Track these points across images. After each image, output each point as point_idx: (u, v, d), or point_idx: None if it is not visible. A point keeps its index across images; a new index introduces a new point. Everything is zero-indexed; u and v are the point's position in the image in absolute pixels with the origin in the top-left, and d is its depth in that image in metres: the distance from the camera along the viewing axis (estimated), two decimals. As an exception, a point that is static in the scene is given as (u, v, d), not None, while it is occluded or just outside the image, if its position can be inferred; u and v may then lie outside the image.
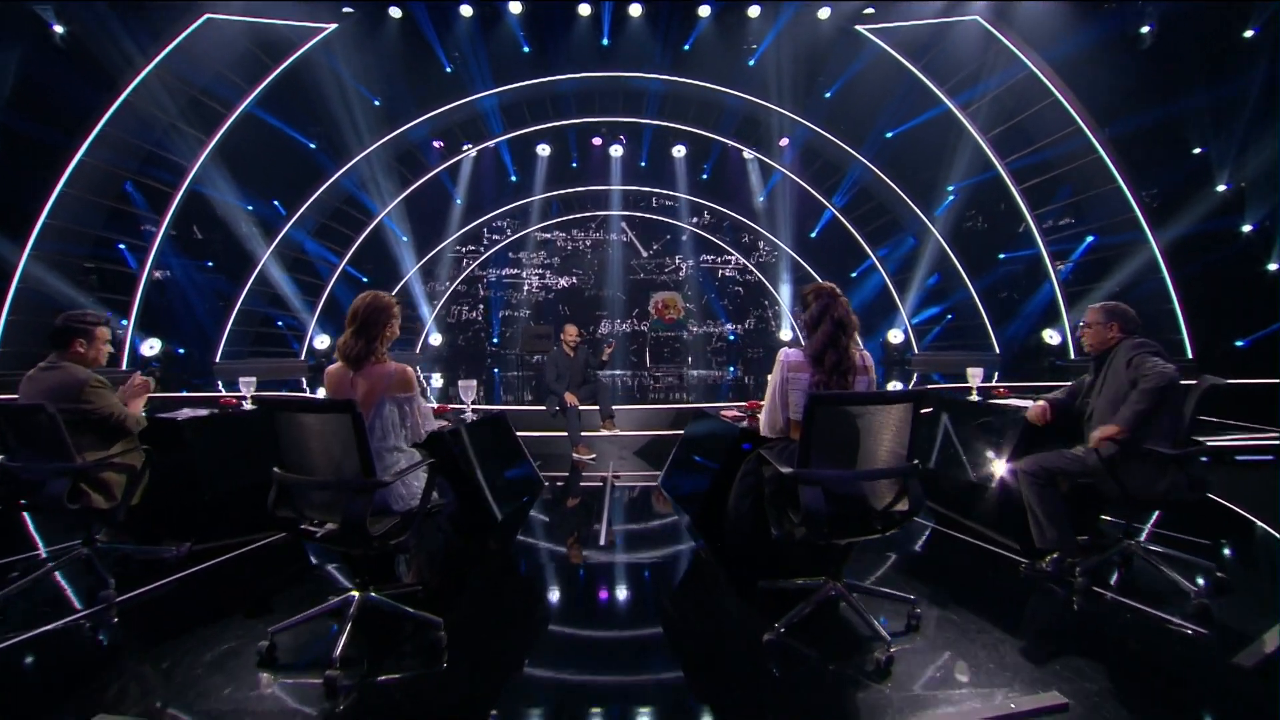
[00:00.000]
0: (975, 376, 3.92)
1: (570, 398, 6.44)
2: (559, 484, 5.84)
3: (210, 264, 13.57)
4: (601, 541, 3.80)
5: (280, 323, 14.99)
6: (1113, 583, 3.02)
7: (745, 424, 3.22)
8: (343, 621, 2.47)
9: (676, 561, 3.49)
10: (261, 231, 13.89)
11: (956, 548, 3.56)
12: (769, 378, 3.09)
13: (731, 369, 16.04)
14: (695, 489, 3.20)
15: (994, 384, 4.07)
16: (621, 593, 3.13)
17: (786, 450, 2.64)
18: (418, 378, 3.47)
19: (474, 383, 3.40)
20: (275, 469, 2.46)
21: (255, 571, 3.33)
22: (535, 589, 3.14)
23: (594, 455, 6.28)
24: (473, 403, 3.53)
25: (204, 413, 3.70)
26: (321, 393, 2.64)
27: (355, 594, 2.60)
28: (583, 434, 6.44)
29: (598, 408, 6.70)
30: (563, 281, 18.80)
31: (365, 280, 16.75)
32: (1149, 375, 2.83)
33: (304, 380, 12.91)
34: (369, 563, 2.66)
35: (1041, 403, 3.35)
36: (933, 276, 15.19)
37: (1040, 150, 11.89)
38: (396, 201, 15.10)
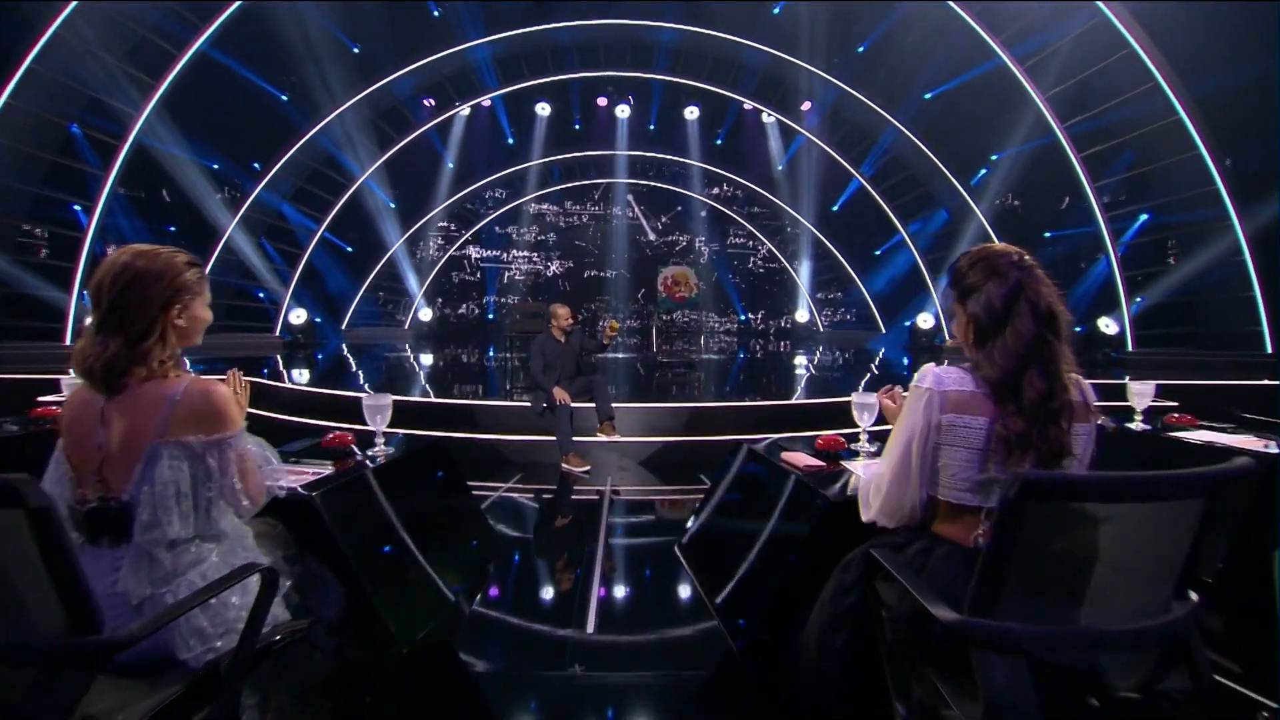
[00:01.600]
0: (1142, 396, 2.66)
1: (560, 394, 5.22)
2: (546, 496, 4.70)
3: (173, 229, 12.28)
4: (590, 626, 2.60)
5: (262, 294, 13.78)
6: None
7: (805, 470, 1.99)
8: None
9: (709, 687, 2.27)
10: (231, 194, 12.61)
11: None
12: (885, 406, 1.85)
13: (742, 353, 14.83)
14: (740, 585, 1.99)
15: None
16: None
17: (931, 560, 1.41)
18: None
19: (387, 401, 2.14)
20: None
21: None
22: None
23: (588, 468, 5.07)
24: (386, 431, 2.23)
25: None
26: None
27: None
28: (575, 439, 5.23)
29: (594, 405, 5.48)
30: (556, 265, 17.49)
31: (349, 250, 15.51)
32: None
33: (279, 359, 11.76)
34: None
35: None
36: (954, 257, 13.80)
37: (1103, 114, 10.44)
38: (379, 163, 13.73)
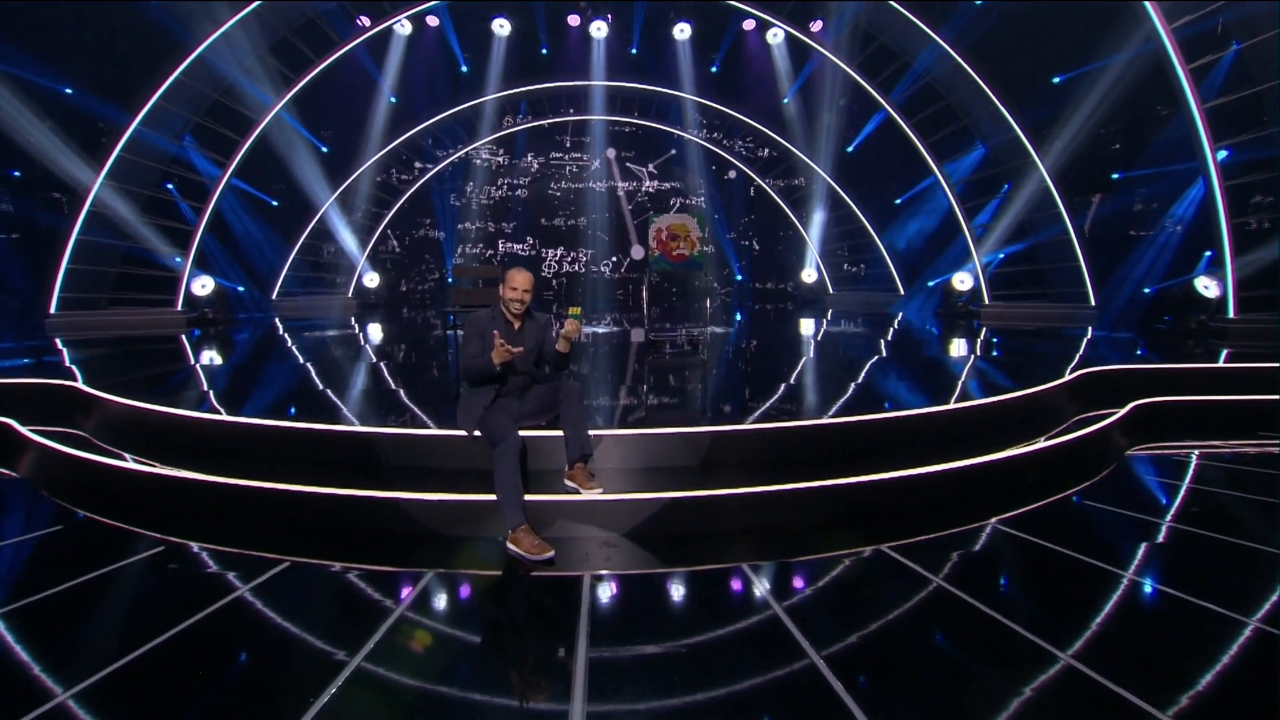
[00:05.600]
0: None
1: (501, 352, 3.08)
2: (474, 584, 2.66)
3: (17, 174, 9.59)
4: None
5: (178, 260, 11.22)
6: None
7: None
8: None
9: None
10: (101, 133, 9.91)
11: None
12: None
13: (738, 315, 12.72)
14: None
15: None
16: None
17: None
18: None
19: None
20: None
21: None
22: None
23: (551, 554, 2.89)
24: None
25: None
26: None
27: None
28: (529, 499, 3.06)
29: (561, 434, 3.31)
30: (519, 220, 14.99)
31: (275, 204, 12.90)
32: None
33: (182, 338, 9.38)
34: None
35: None
36: (992, 202, 11.70)
37: (1214, 14, 8.18)
38: (292, 93, 11.01)
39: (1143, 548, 2.96)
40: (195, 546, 2.96)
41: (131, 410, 4.40)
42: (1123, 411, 4.74)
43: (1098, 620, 2.32)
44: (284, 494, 3.18)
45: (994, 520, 3.20)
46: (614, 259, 14.77)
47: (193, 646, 2.18)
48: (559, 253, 14.84)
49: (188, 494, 3.34)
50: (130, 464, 3.66)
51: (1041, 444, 3.87)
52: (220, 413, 4.18)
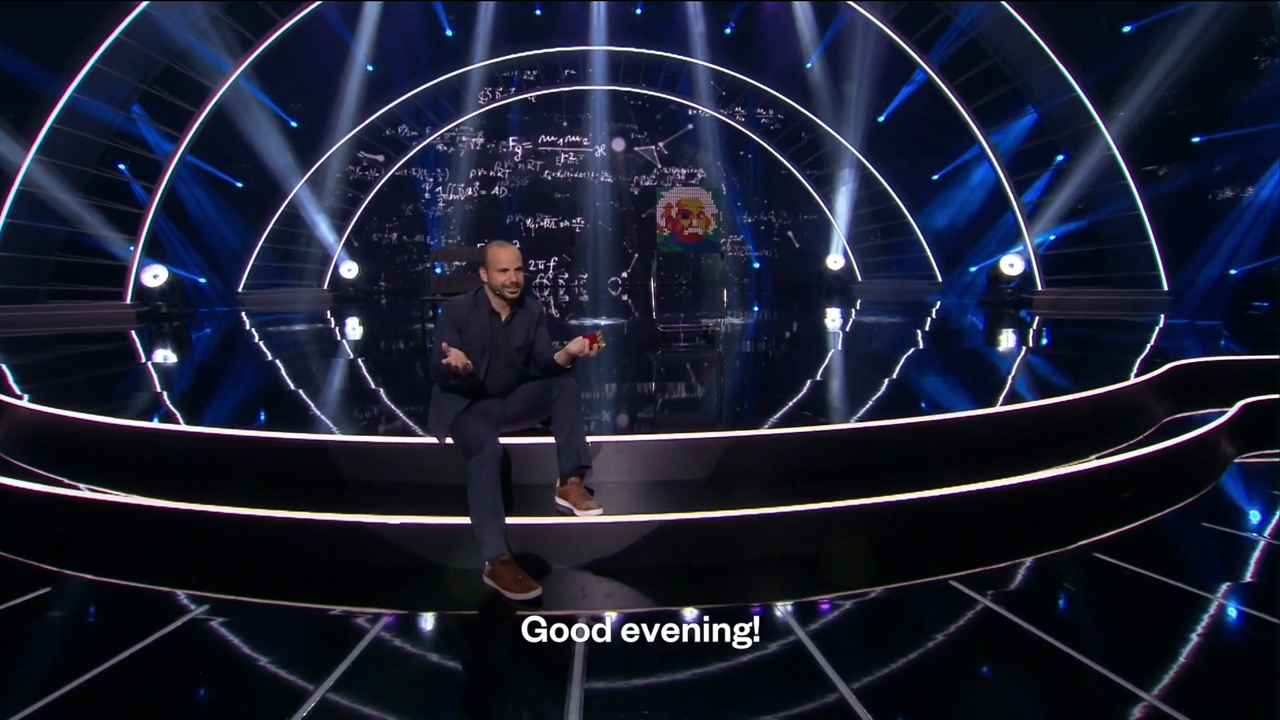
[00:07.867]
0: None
1: (454, 357, 2.32)
2: (442, 629, 2.07)
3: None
4: None
5: (129, 247, 10.01)
6: None
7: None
8: None
9: None
10: (27, 101, 8.70)
11: None
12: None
13: (756, 305, 11.46)
14: None
15: None
16: None
17: None
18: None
19: None
20: None
21: None
22: None
23: (537, 591, 2.08)
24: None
25: None
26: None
27: None
28: (511, 523, 1.94)
29: (554, 443, 2.39)
30: (515, 209, 13.74)
31: (239, 185, 11.68)
32: None
33: (132, 334, 8.21)
34: None
35: None
36: (1045, 175, 10.34)
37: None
38: (253, 56, 9.75)
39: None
40: (88, 581, 2.34)
41: (44, 417, 3.61)
42: (1231, 412, 3.91)
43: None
44: (203, 516, 2.49)
45: (1084, 542, 2.58)
46: (623, 275, 13.41)
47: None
48: (551, 265, 13.50)
49: (85, 517, 2.69)
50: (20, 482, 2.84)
51: (1137, 452, 3.16)
52: (148, 420, 3.39)
